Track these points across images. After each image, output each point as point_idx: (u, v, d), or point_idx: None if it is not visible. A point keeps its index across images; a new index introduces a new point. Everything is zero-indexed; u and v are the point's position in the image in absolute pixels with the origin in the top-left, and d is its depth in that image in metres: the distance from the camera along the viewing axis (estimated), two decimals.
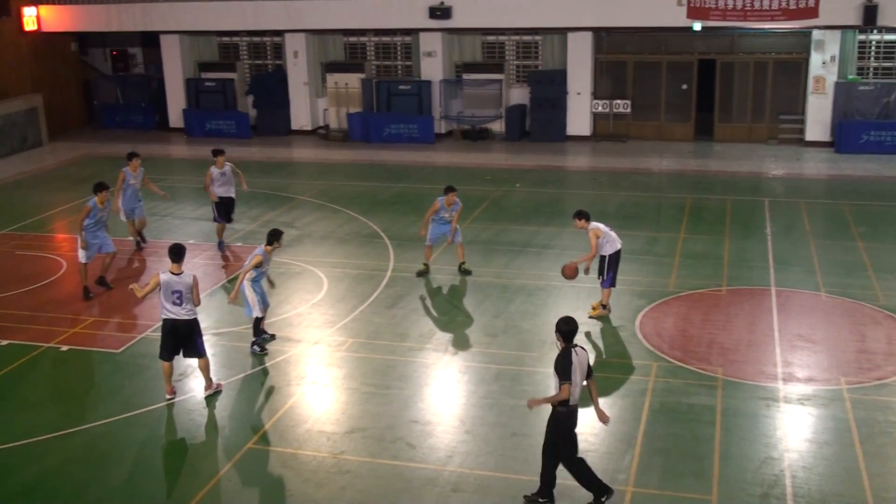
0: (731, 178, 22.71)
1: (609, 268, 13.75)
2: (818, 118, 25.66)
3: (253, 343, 12.95)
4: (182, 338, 11.41)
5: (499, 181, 22.63)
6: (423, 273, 15.83)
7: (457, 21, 25.99)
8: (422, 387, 11.96)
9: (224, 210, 17.57)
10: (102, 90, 31.86)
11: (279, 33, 29.03)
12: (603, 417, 9.25)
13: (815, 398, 11.29)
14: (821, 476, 9.63)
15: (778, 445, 10.24)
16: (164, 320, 11.39)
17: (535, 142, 26.94)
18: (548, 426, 9.04)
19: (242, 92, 29.72)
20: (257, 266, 12.57)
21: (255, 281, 12.68)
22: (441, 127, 28.04)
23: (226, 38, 30.35)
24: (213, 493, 9.65)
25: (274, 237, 12.79)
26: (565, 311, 14.03)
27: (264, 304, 12.92)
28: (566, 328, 8.91)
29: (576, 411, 8.93)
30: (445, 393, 11.79)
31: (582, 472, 9.06)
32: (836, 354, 12.48)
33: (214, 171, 17.43)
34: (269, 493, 9.65)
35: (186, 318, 11.31)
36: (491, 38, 27.98)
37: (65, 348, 13.31)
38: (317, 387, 12.03)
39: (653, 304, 14.34)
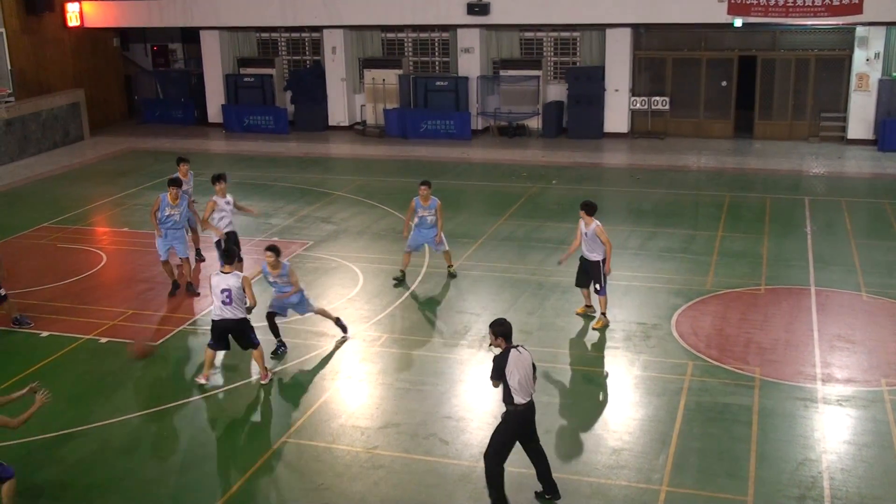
0: (770, 176, 22.45)
1: (605, 277, 13.31)
2: (861, 116, 25.28)
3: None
4: (235, 337, 11.73)
5: (535, 178, 22.56)
6: (400, 280, 15.27)
7: (495, 17, 25.95)
8: (455, 383, 11.96)
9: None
10: (143, 85, 32.22)
11: (317, 29, 29.16)
12: None
13: (854, 399, 11.13)
14: (860, 478, 9.49)
15: (816, 447, 10.11)
16: (216, 321, 11.56)
17: (573, 138, 26.82)
18: (497, 427, 9.12)
19: (281, 87, 29.90)
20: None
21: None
22: (478, 123, 28.01)
23: (265, 34, 30.55)
24: (249, 486, 9.73)
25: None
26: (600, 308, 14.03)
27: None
28: (502, 329, 8.89)
29: (524, 413, 8.92)
30: (479, 389, 11.77)
31: (497, 479, 9.02)
32: (877, 355, 12.29)
33: (219, 201, 15.17)
34: (303, 486, 9.71)
35: (235, 317, 11.47)
36: (529, 34, 27.89)
37: (104, 340, 13.48)
38: (351, 382, 12.08)
39: (689, 302, 14.22)
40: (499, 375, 8.80)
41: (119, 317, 14.31)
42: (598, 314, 13.52)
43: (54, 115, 27.63)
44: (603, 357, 12.57)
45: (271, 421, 11.13)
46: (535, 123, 27.73)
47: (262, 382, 11.89)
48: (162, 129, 30.03)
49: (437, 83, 27.81)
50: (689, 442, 10.26)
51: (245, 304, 11.57)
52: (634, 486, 9.49)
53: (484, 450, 9.17)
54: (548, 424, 10.72)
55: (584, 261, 13.45)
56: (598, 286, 13.33)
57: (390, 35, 29.20)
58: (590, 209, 13.25)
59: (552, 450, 10.18)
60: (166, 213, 14.74)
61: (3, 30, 23.12)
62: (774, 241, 17.18)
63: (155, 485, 9.89)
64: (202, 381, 11.85)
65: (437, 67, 29.02)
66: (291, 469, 10.03)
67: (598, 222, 13.25)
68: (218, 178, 15.18)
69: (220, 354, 12.23)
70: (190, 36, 31.67)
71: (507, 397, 8.85)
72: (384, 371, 12.31)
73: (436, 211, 15.06)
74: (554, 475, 9.40)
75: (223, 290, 11.34)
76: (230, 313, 11.43)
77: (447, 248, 15.43)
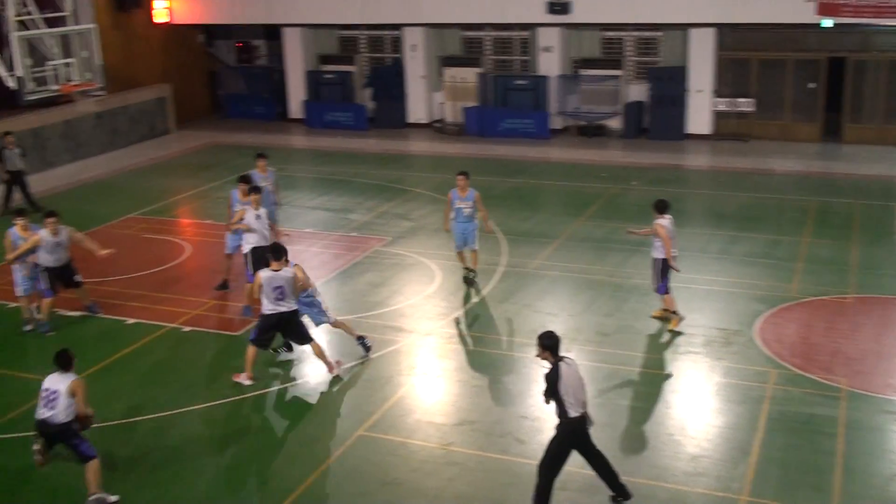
0: (860, 182, 21.80)
1: (663, 273, 13.17)
2: None
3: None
4: (287, 329, 11.81)
5: (614, 179, 22.32)
6: (470, 279, 15.11)
7: (576, 16, 25.73)
8: (532, 383, 11.89)
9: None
10: (227, 81, 32.81)
11: (397, 27, 29.31)
12: None
13: None
14: None
15: None
16: (269, 315, 11.57)
17: (653, 139, 26.45)
18: (552, 439, 8.93)
19: (361, 84, 30.14)
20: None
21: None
22: (557, 122, 27.83)
23: (345, 32, 30.82)
24: (324, 477, 9.83)
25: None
26: (681, 312, 13.80)
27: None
28: (552, 342, 8.75)
29: (579, 425, 8.78)
30: None
31: (547, 492, 8.88)
32: None
33: (250, 214, 13.92)
34: (378, 479, 9.76)
35: (288, 310, 11.60)
36: (610, 33, 27.59)
37: (187, 329, 13.77)
38: (427, 378, 12.11)
39: (773, 309, 13.88)
40: (553, 392, 8.63)
41: (201, 307, 14.60)
42: (671, 315, 13.34)
43: (142, 110, 28.32)
44: (681, 362, 12.36)
45: (348, 414, 11.21)
46: (614, 124, 27.43)
47: (331, 374, 11.98)
48: (244, 125, 30.53)
49: (516, 82, 27.70)
50: (771, 452, 10.03)
51: (295, 296, 11.69)
52: (713, 494, 9.31)
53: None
54: (624, 428, 10.60)
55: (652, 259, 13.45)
56: (655, 286, 13.28)
57: (470, 33, 29.19)
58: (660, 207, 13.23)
59: (629, 453, 10.08)
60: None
61: (95, 26, 23.74)
62: (864, 248, 16.67)
63: (233, 471, 10.07)
64: (248, 382, 11.82)
65: (516, 66, 28.92)
66: (366, 462, 10.09)
67: (661, 221, 13.11)
68: (249, 185, 14.62)
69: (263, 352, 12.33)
70: (273, 33, 32.11)
71: (562, 411, 8.69)
72: (460, 368, 12.32)
73: (474, 202, 14.85)
74: (629, 479, 9.28)
75: (276, 288, 11.42)
76: (285, 306, 11.54)
77: (476, 247, 15.08)
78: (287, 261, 11.57)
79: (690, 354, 12.52)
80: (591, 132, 27.33)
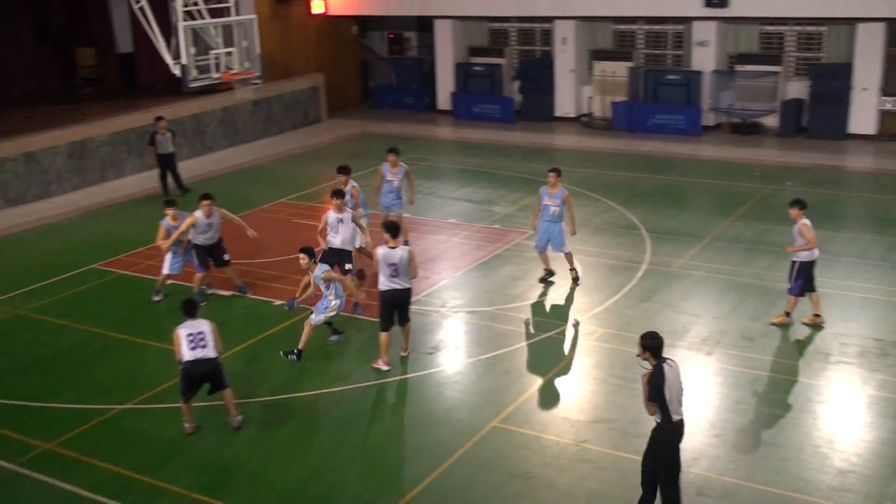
0: None
1: (799, 275, 12.82)
2: None
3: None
4: (398, 307, 12.09)
5: (768, 178, 21.50)
6: (546, 279, 14.99)
7: (734, 10, 24.88)
8: None
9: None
10: (378, 71, 33.43)
11: (548, 20, 29.12)
12: None
13: None
14: None
15: None
16: (385, 292, 11.92)
17: (812, 139, 25.30)
18: (649, 441, 8.59)
19: (509, 77, 30.12)
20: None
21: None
22: (709, 119, 27.02)
23: (496, 24, 30.85)
24: (457, 465, 9.89)
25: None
26: (833, 319, 13.18)
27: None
28: (652, 343, 8.35)
29: (680, 427, 8.42)
30: (695, 393, 11.36)
31: (674, 499, 8.51)
32: None
33: (331, 215, 13.96)
34: (509, 472, 9.75)
35: (402, 287, 11.93)
36: (770, 27, 26.56)
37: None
38: (564, 373, 12.00)
39: None
40: (658, 395, 8.29)
41: (345, 291, 14.90)
42: (782, 312, 13.16)
43: (296, 98, 29.22)
44: (832, 372, 11.80)
45: (482, 405, 11.24)
46: (771, 121, 26.42)
47: (403, 355, 12.38)
48: (393, 115, 31.04)
49: (669, 77, 27.05)
50: None
51: (410, 276, 11.97)
52: None
53: (695, 456, 8.85)
54: (769, 437, 10.21)
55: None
56: (790, 285, 13.01)
57: (622, 27, 28.70)
58: (798, 205, 12.99)
59: (771, 462, 9.70)
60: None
61: (255, 17, 24.62)
62: None
63: (369, 453, 10.26)
64: (386, 367, 12.08)
65: (669, 60, 28.25)
66: (499, 454, 10.09)
67: (806, 221, 12.81)
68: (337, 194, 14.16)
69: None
70: (425, 24, 32.50)
71: (666, 415, 8.35)
72: (598, 365, 12.15)
73: (562, 201, 14.52)
74: (770, 490, 8.94)
75: (390, 265, 11.73)
76: (398, 284, 11.84)
77: (568, 249, 14.80)
78: (406, 241, 11.91)
79: (843, 364, 11.93)
80: (746, 130, 26.42)
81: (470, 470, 9.84)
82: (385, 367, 12.06)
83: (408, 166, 16.50)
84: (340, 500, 9.39)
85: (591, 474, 9.61)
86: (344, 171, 15.34)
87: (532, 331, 13.30)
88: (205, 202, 14.28)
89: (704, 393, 11.39)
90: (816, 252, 12.92)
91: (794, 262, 12.94)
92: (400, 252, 11.79)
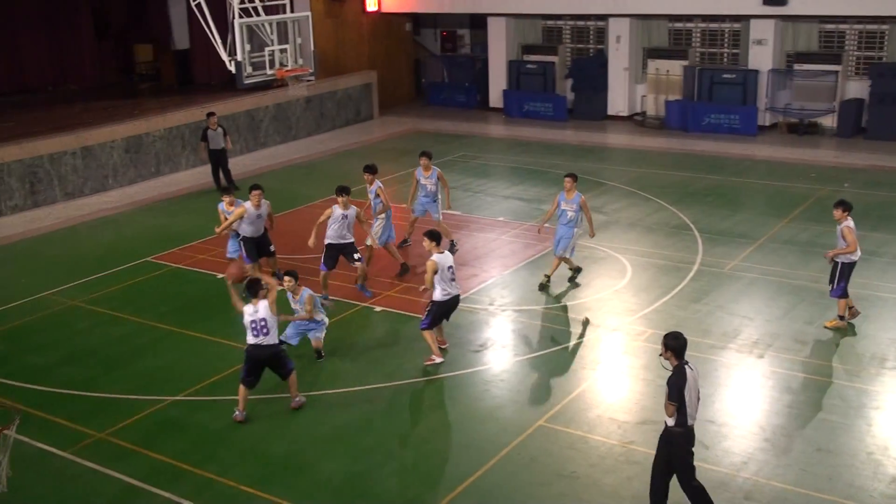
0: None
1: (842, 276, 12.70)
2: None
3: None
4: (453, 311, 12.30)
5: (825, 179, 21.10)
6: (573, 278, 14.94)
7: (793, 8, 24.46)
8: (721, 387, 11.45)
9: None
10: (430, 69, 33.48)
11: (603, 18, 28.91)
12: None
13: None
14: None
15: None
16: (448, 300, 11.99)
17: (872, 139, 24.77)
18: (660, 443, 8.49)
19: (562, 75, 29.96)
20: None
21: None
22: (765, 119, 26.60)
23: (550, 22, 30.71)
24: (502, 464, 9.87)
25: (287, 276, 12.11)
26: (889, 323, 12.90)
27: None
28: (678, 344, 8.25)
29: (690, 433, 8.33)
30: (746, 396, 11.21)
31: (701, 501, 8.41)
32: None
33: (336, 210, 14.10)
34: (554, 471, 9.70)
35: (459, 292, 12.15)
36: (830, 26, 26.06)
37: (378, 309, 14.18)
38: (612, 374, 11.91)
39: None
40: (678, 396, 8.19)
41: (393, 289, 14.98)
42: (835, 316, 12.96)
43: (348, 95, 29.38)
44: (888, 377, 11.54)
45: (529, 403, 11.20)
46: (829, 122, 25.92)
47: (443, 347, 12.50)
48: (445, 112, 31.07)
49: (725, 75, 26.67)
50: None
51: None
52: None
53: (744, 459, 8.72)
54: (821, 442, 10.03)
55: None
56: (831, 286, 12.88)
57: (678, 25, 28.37)
58: (843, 206, 12.80)
59: (823, 468, 9.52)
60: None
61: (309, 14, 24.82)
62: None
63: (414, 450, 10.29)
64: (438, 359, 12.17)
65: (724, 59, 27.87)
66: (544, 453, 10.05)
67: (851, 223, 12.69)
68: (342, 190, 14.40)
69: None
70: (477, 22, 32.47)
71: (682, 418, 8.24)
72: (646, 367, 12.03)
73: (579, 206, 14.30)
74: (821, 496, 8.78)
75: (450, 268, 11.86)
76: (457, 289, 12.09)
77: (563, 255, 14.54)
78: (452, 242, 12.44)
79: None
80: (803, 130, 25.96)
81: (515, 469, 9.81)
82: (439, 360, 12.14)
83: (440, 170, 16.56)
84: (385, 495, 9.43)
85: (637, 476, 9.51)
86: (370, 170, 15.47)
87: (580, 330, 13.22)
88: (254, 192, 14.45)
89: (755, 396, 11.22)
90: (858, 253, 12.74)
91: (837, 264, 12.78)
92: (450, 256, 12.06)
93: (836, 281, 12.81)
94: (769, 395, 11.22)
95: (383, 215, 15.28)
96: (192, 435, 10.72)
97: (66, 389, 11.87)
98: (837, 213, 12.77)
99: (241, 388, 10.84)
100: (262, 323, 10.58)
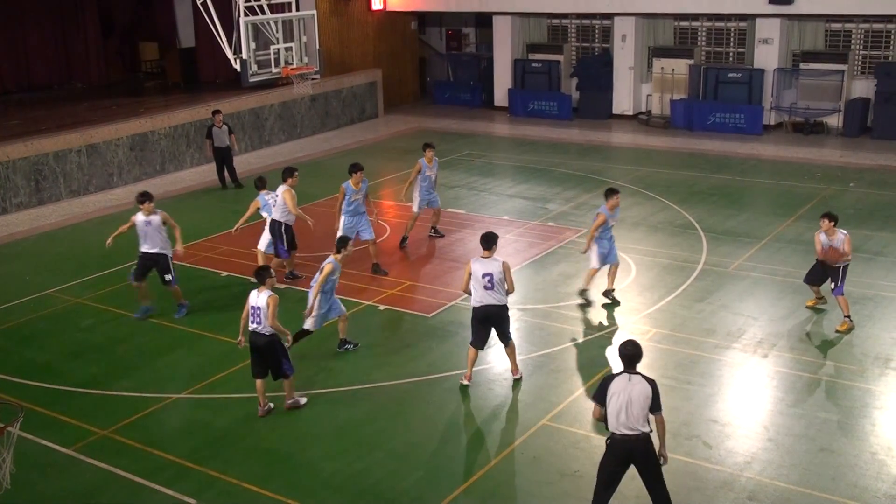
0: None
1: (843, 277, 12.88)
2: None
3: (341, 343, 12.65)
4: (494, 324, 11.31)
5: (830, 179, 21.06)
6: (586, 301, 14.06)
7: (800, 7, 24.40)
8: (724, 386, 11.44)
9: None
10: (436, 68, 33.48)
11: (608, 16, 28.88)
12: (660, 455, 8.37)
13: None
14: None
15: None
16: (476, 308, 11.23)
17: (878, 139, 24.72)
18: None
19: (567, 74, 29.93)
20: (329, 275, 11.94)
21: (326, 291, 12.06)
22: (770, 118, 26.56)
23: (555, 20, 30.69)
24: (505, 463, 9.87)
25: (343, 244, 12.29)
26: (894, 323, 12.89)
27: (323, 320, 12.28)
28: (625, 352, 8.21)
29: (621, 443, 8.15)
30: (750, 396, 11.19)
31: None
32: None
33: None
34: (558, 470, 9.70)
35: (498, 303, 11.13)
36: (836, 25, 26.01)
37: (382, 307, 14.18)
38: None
39: None
40: (597, 398, 8.28)
41: (397, 287, 14.99)
42: (841, 317, 12.91)
43: (353, 93, 29.39)
44: (892, 377, 11.51)
45: (532, 402, 11.19)
46: (834, 121, 25.87)
47: (515, 377, 11.66)
48: (450, 111, 31.06)
49: (730, 75, 26.63)
50: None
51: (505, 289, 11.15)
52: None
53: (747, 459, 8.70)
54: (824, 442, 10.01)
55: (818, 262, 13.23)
56: (833, 285, 12.94)
57: (683, 23, 28.34)
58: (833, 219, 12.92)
59: (826, 468, 9.50)
60: (351, 199, 15.08)
61: (315, 12, 24.80)
62: None
63: (418, 448, 10.28)
64: (466, 382, 11.52)
65: (730, 58, 27.83)
66: (548, 452, 10.05)
67: (844, 232, 12.95)
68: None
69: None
70: (483, 20, 32.47)
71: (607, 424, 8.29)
72: (650, 366, 11.98)
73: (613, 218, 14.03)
74: (825, 496, 8.74)
75: (485, 275, 11.03)
76: (493, 298, 11.10)
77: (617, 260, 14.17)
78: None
79: None
80: (808, 129, 25.92)
81: (518, 467, 9.81)
82: (465, 382, 11.54)
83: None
84: (388, 494, 9.42)
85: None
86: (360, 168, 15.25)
87: (583, 329, 13.20)
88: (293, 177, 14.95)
89: (758, 395, 11.20)
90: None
91: (839, 268, 12.83)
92: (495, 264, 11.12)
93: (840, 282, 12.83)
94: (773, 394, 11.20)
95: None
96: (196, 432, 10.73)
97: (69, 386, 11.90)
98: (825, 223, 12.82)
99: (256, 381, 10.84)
100: (257, 311, 10.57)
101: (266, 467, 9.92)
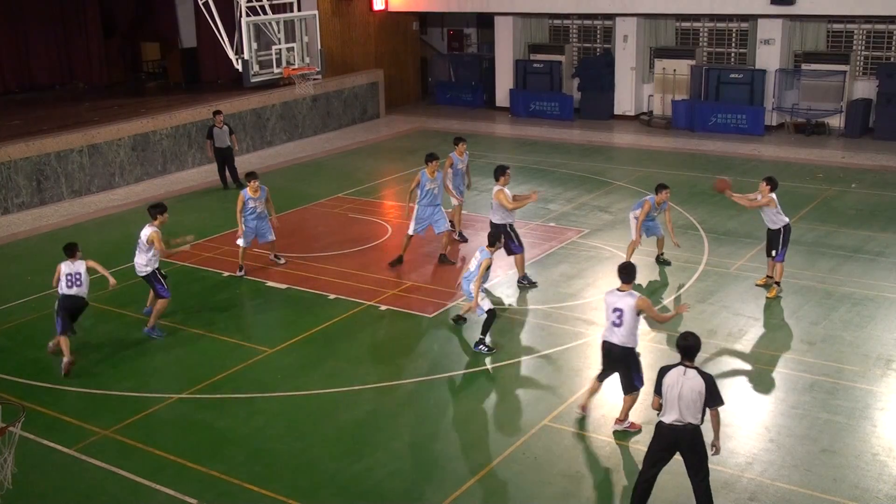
0: None
1: (784, 242, 13.97)
2: None
3: (478, 343, 12.56)
4: (615, 365, 10.36)
5: (832, 180, 21.05)
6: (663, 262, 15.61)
7: (801, 7, 24.38)
8: (725, 387, 11.36)
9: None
10: (437, 68, 33.47)
11: (610, 17, 28.88)
12: (713, 446, 8.54)
13: None
14: None
15: None
16: (602, 343, 10.36)
17: (880, 139, 24.71)
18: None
19: (569, 74, 29.93)
20: (487, 269, 12.26)
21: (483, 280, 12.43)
22: (772, 119, 26.55)
23: (557, 21, 30.69)
24: (506, 464, 9.86)
25: (495, 238, 12.57)
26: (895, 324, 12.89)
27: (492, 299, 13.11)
28: (681, 343, 8.39)
29: (669, 431, 8.34)
30: (751, 397, 11.19)
31: (642, 495, 8.60)
32: None
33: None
34: (559, 471, 9.69)
35: (620, 344, 10.11)
36: (838, 25, 26.00)
37: (383, 308, 14.17)
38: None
39: None
40: (655, 389, 8.53)
41: (398, 287, 14.99)
42: (772, 283, 14.13)
43: (355, 94, 29.39)
44: (893, 378, 11.50)
45: (534, 403, 11.19)
46: (836, 122, 25.86)
47: (617, 427, 10.43)
48: (451, 111, 31.06)
49: (732, 75, 26.62)
50: None
51: (636, 330, 10.14)
52: None
53: (748, 460, 8.70)
54: (826, 443, 10.00)
55: (767, 230, 14.15)
56: (774, 252, 14.03)
57: (685, 24, 28.34)
58: (771, 183, 13.94)
59: (827, 469, 9.49)
60: (426, 189, 15.48)
61: (316, 13, 24.81)
62: None
63: (419, 448, 10.28)
64: (581, 411, 10.79)
65: (732, 59, 27.82)
66: (549, 452, 10.04)
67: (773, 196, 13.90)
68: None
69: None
70: (484, 21, 32.47)
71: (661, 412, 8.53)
72: (652, 366, 11.92)
73: (666, 211, 15.23)
74: (826, 497, 8.73)
75: (615, 310, 10.02)
76: (616, 337, 10.09)
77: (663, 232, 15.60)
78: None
79: None
80: (810, 130, 25.91)
81: (519, 468, 9.81)
82: (579, 412, 10.79)
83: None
84: (390, 494, 9.42)
85: None
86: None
87: (584, 330, 13.20)
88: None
89: (760, 396, 11.20)
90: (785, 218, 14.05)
91: (779, 230, 13.90)
92: (628, 299, 9.97)
93: (781, 246, 13.93)
94: (775, 395, 11.19)
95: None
96: (198, 432, 10.73)
97: (71, 386, 11.90)
98: (763, 185, 13.97)
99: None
100: (78, 276, 12.27)
101: (267, 468, 9.92)
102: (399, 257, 15.87)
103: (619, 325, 10.01)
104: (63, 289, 12.22)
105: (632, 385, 10.26)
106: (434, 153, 15.96)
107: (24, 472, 9.32)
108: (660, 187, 15.07)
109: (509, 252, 14.70)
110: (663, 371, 8.42)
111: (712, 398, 8.23)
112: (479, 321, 12.60)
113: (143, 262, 13.28)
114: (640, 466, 9.62)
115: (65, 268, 12.26)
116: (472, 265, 12.45)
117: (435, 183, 15.68)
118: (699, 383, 8.21)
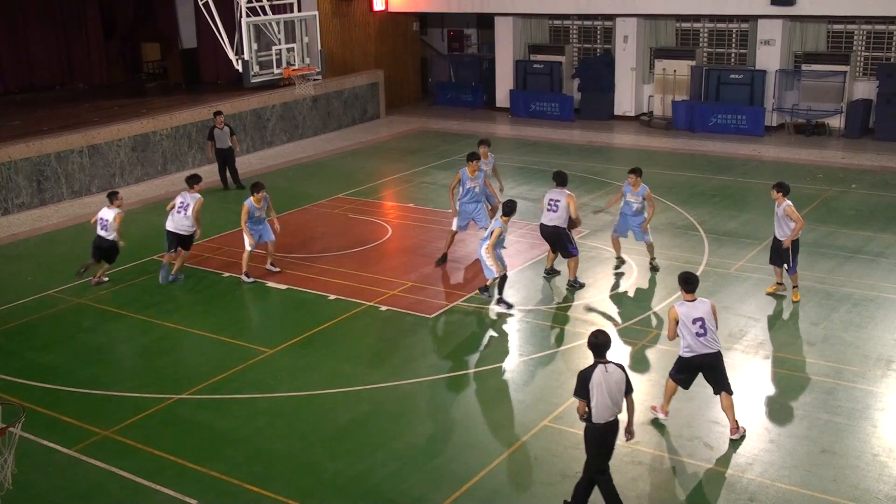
0: None
1: (796, 253, 13.75)
2: None
3: (499, 301, 13.86)
4: (705, 372, 10.20)
5: (832, 180, 21.05)
6: (618, 266, 15.68)
7: (801, 8, 24.39)
8: None
9: None
10: (437, 68, 33.47)
11: (610, 17, 28.88)
12: (627, 432, 8.89)
13: None
14: None
15: None
16: (687, 358, 10.10)
17: (880, 140, 24.70)
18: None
19: (569, 75, 29.93)
20: (499, 236, 13.43)
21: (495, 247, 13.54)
22: (772, 119, 26.55)
23: (557, 21, 30.70)
24: (505, 465, 9.86)
25: (511, 209, 13.50)
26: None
27: (503, 264, 13.79)
28: (593, 341, 8.48)
29: (604, 430, 8.54)
30: (751, 398, 11.18)
31: (609, 494, 8.69)
32: None
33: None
34: (559, 471, 9.69)
35: (712, 350, 9.99)
36: (838, 26, 26.00)
37: (383, 308, 14.17)
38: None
39: None
40: (580, 392, 8.52)
41: (398, 288, 14.99)
42: (791, 288, 13.94)
43: (355, 94, 29.39)
44: (893, 379, 11.50)
45: (533, 403, 11.19)
46: (836, 122, 25.87)
47: (733, 437, 10.14)
48: (452, 112, 31.06)
49: (732, 76, 26.63)
50: None
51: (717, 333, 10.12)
52: None
53: (749, 461, 8.71)
54: (826, 444, 10.00)
55: (774, 239, 13.89)
56: (787, 266, 13.74)
57: (685, 24, 28.35)
58: (783, 189, 13.66)
59: (827, 470, 9.50)
60: (467, 188, 15.52)
61: (317, 13, 24.82)
62: None
63: (419, 450, 10.27)
64: (661, 414, 10.59)
65: (732, 59, 27.83)
66: (549, 453, 10.04)
67: (789, 202, 13.52)
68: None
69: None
70: (484, 21, 32.47)
71: (589, 414, 8.54)
72: (652, 367, 12.02)
73: (643, 198, 15.07)
74: (826, 497, 8.74)
75: (695, 321, 9.86)
76: (707, 347, 9.95)
77: (651, 239, 15.34)
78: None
79: None
80: (810, 130, 25.91)
81: (519, 469, 9.81)
82: (661, 415, 10.61)
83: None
84: (390, 494, 9.42)
85: (641, 476, 9.51)
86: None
87: (584, 330, 13.16)
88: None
89: (760, 397, 11.20)
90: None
91: (787, 250, 13.65)
92: (703, 306, 9.96)
93: (790, 261, 13.70)
94: (774, 396, 11.19)
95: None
96: (198, 433, 10.73)
97: (71, 387, 11.90)
98: (774, 193, 13.72)
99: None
100: (104, 223, 14.89)
101: (267, 468, 9.92)
102: (444, 255, 15.94)
103: (703, 335, 9.92)
104: (97, 230, 15.05)
105: (725, 386, 10.14)
106: (475, 151, 15.98)
107: (25, 472, 9.32)
108: (630, 173, 15.18)
109: (566, 255, 14.77)
110: (586, 375, 8.43)
111: (628, 386, 8.57)
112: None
113: (189, 223, 15.36)
114: (640, 467, 9.65)
115: (101, 213, 15.12)
116: (488, 232, 13.64)
117: (476, 181, 15.69)
118: (620, 375, 8.50)
